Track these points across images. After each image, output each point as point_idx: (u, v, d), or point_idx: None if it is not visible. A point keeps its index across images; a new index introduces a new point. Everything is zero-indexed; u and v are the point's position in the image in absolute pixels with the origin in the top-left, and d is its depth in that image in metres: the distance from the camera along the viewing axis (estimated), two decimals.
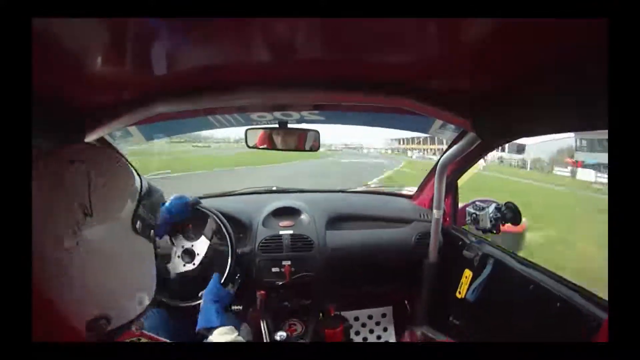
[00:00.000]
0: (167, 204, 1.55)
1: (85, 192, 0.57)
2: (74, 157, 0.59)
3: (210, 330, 1.16)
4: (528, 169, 28.47)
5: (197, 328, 1.22)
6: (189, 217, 1.64)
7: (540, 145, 28.21)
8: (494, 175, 19.54)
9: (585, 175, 21.23)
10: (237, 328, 1.19)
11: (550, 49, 0.71)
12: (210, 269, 1.66)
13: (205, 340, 1.13)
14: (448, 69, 0.92)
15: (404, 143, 65.82)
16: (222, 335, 1.12)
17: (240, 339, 1.13)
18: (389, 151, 64.88)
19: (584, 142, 25.82)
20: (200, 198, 1.68)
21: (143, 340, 0.65)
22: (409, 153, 55.19)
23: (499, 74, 0.90)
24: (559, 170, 25.35)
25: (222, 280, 1.53)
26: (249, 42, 0.75)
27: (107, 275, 0.60)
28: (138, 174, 0.67)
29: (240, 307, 1.58)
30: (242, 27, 0.66)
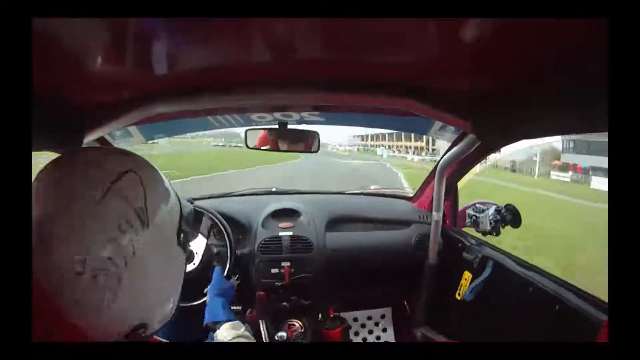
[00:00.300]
0: None
1: (141, 201, 0.57)
2: (126, 166, 0.59)
3: (217, 324, 1.16)
4: (516, 171, 26.36)
5: (205, 322, 1.22)
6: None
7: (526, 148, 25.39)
8: (491, 183, 17.48)
9: (601, 183, 17.54)
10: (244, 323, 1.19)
11: (550, 49, 0.71)
12: (210, 269, 1.66)
13: (212, 335, 1.14)
14: (448, 69, 0.92)
15: (369, 139, 61.84)
16: (228, 330, 1.12)
17: (247, 333, 1.13)
18: (355, 149, 60.93)
19: (571, 144, 23.56)
20: (200, 199, 1.69)
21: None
22: (379, 151, 52.27)
23: (499, 75, 0.90)
24: (556, 176, 23.22)
25: (224, 274, 1.53)
26: (249, 42, 0.75)
27: (150, 284, 0.61)
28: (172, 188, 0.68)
29: (240, 308, 1.58)
30: (242, 27, 0.66)
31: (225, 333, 1.10)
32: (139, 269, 0.57)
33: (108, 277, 0.54)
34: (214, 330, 1.13)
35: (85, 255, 0.52)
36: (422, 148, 48.50)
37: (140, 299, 0.59)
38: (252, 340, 1.12)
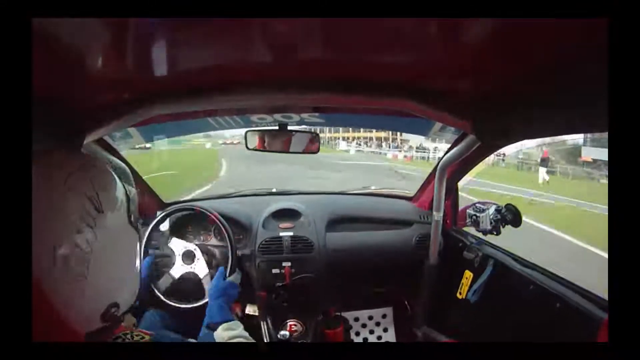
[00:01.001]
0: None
1: (92, 190, 0.61)
2: (75, 164, 0.63)
3: (215, 325, 1.17)
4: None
5: (204, 324, 1.24)
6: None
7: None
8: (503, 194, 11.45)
9: None
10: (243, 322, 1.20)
11: (550, 49, 0.71)
12: (210, 269, 1.67)
13: (210, 335, 1.15)
14: (447, 70, 0.92)
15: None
16: (226, 330, 1.13)
17: (245, 333, 1.14)
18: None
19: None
20: (200, 200, 1.69)
21: (135, 334, 0.66)
22: (342, 144, 43.03)
23: (499, 75, 0.90)
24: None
25: (226, 276, 1.53)
26: (249, 43, 0.75)
27: (113, 264, 0.64)
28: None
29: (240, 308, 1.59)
30: (242, 27, 0.66)
31: (223, 333, 1.12)
32: (102, 251, 0.61)
33: (78, 262, 0.57)
34: (212, 332, 1.14)
35: (55, 245, 0.56)
36: (385, 139, 43.04)
37: (107, 279, 0.63)
38: (251, 340, 1.13)
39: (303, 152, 1.59)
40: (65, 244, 0.56)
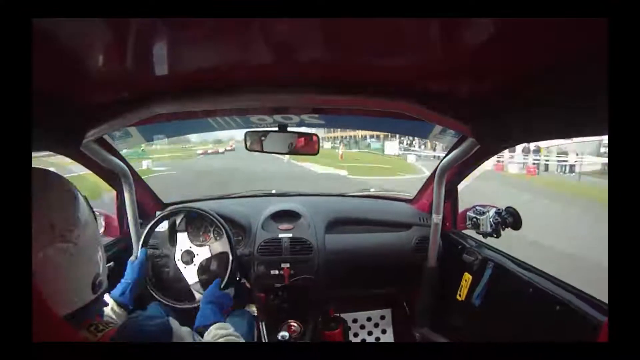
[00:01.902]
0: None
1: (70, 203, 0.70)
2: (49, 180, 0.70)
3: (205, 328, 1.18)
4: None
5: (194, 327, 1.23)
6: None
7: None
8: None
9: None
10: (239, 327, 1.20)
11: (550, 50, 0.71)
12: (210, 271, 1.66)
13: (202, 338, 1.13)
14: (447, 72, 0.92)
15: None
16: (217, 329, 1.14)
17: (237, 334, 1.14)
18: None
19: None
20: (200, 200, 1.69)
21: (101, 325, 0.70)
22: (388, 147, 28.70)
23: (498, 78, 0.90)
24: None
25: (223, 284, 1.53)
26: (249, 44, 0.75)
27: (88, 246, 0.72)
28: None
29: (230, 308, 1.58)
30: (241, 28, 0.66)
31: (213, 333, 1.12)
32: (85, 234, 0.70)
33: (70, 235, 0.67)
34: (202, 333, 1.15)
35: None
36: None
37: (90, 247, 0.72)
38: (241, 339, 1.13)
39: (302, 154, 1.59)
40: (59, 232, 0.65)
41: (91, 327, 0.68)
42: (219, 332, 1.12)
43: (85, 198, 0.77)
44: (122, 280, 1.38)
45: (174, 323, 0.78)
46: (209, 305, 1.33)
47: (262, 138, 1.53)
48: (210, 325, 1.17)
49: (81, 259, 0.69)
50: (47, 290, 0.57)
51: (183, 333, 0.80)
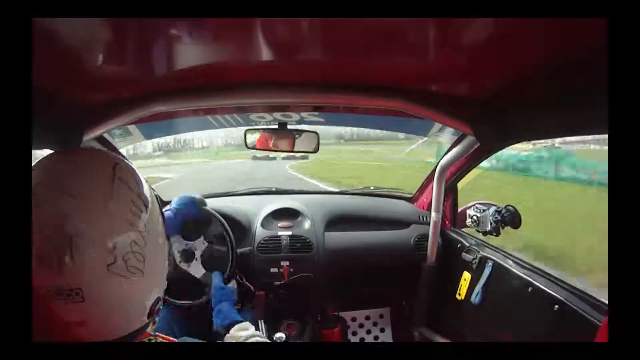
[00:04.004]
0: (173, 204, 1.54)
1: (139, 186, 0.61)
2: (112, 161, 0.61)
3: (226, 327, 1.19)
4: None
5: (215, 327, 1.26)
6: (195, 216, 1.63)
7: None
8: None
9: None
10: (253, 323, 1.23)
11: (550, 50, 0.71)
12: (213, 258, 1.67)
13: (224, 338, 1.17)
14: (448, 71, 0.92)
15: None
16: (239, 331, 1.15)
17: (258, 333, 1.15)
18: None
19: None
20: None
21: (158, 340, 0.66)
22: None
23: (498, 76, 0.90)
24: None
25: (225, 276, 1.54)
26: (248, 43, 0.75)
27: (160, 258, 0.65)
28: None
29: (239, 307, 1.58)
30: (242, 27, 0.66)
31: (239, 333, 1.13)
32: (153, 245, 0.61)
33: (136, 258, 0.57)
34: (223, 334, 1.16)
35: (112, 244, 0.54)
36: None
37: (157, 273, 0.63)
38: (265, 339, 1.14)
39: (302, 152, 1.58)
40: (121, 241, 0.56)
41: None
42: (243, 333, 1.14)
43: (158, 201, 0.67)
44: None
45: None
46: (223, 303, 1.33)
47: (262, 136, 1.53)
48: (230, 324, 1.19)
49: (144, 286, 0.60)
50: (92, 318, 0.54)
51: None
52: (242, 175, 15.58)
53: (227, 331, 1.17)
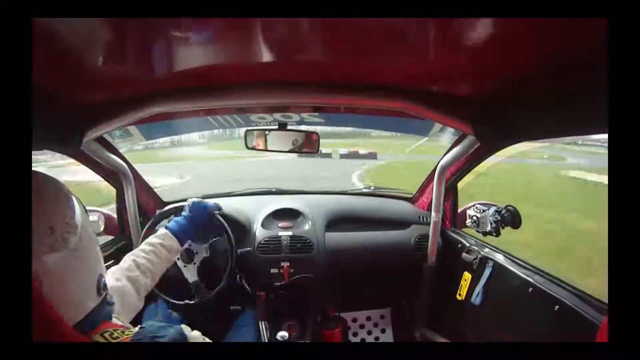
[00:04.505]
0: (186, 209, 1.51)
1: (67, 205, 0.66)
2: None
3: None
4: None
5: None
6: (206, 224, 1.60)
7: None
8: None
9: None
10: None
11: (550, 50, 0.71)
12: (210, 269, 1.67)
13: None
14: (448, 71, 0.92)
15: None
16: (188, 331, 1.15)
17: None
18: None
19: None
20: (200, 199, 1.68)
21: (115, 333, 0.68)
22: None
23: (498, 77, 0.90)
24: None
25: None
26: (249, 43, 0.75)
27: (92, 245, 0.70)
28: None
29: (239, 307, 1.58)
30: (242, 27, 0.66)
31: (188, 332, 1.14)
32: (84, 235, 0.67)
33: (71, 238, 0.63)
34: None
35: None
36: None
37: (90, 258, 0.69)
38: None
39: (302, 152, 1.58)
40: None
41: (105, 334, 0.65)
42: (191, 332, 1.14)
43: (78, 198, 0.74)
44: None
45: (186, 329, 0.76)
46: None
47: (262, 137, 1.53)
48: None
49: (84, 262, 0.66)
50: (54, 297, 0.56)
51: (197, 339, 0.79)
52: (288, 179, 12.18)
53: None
